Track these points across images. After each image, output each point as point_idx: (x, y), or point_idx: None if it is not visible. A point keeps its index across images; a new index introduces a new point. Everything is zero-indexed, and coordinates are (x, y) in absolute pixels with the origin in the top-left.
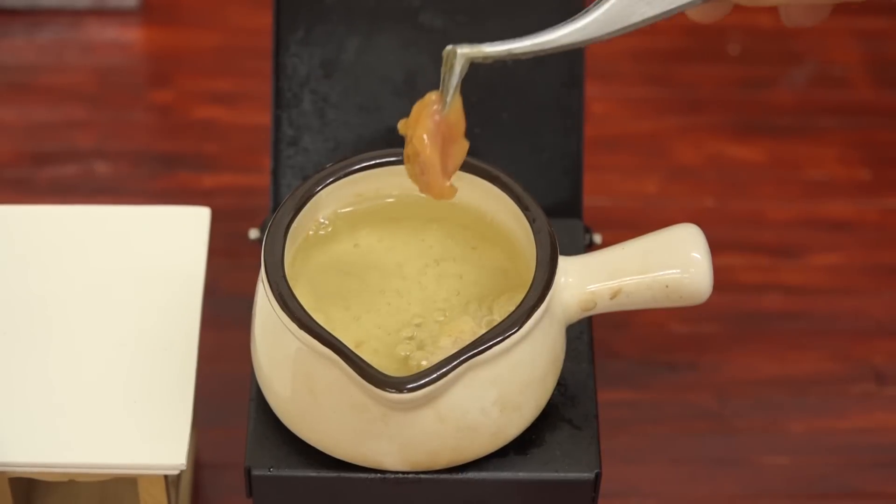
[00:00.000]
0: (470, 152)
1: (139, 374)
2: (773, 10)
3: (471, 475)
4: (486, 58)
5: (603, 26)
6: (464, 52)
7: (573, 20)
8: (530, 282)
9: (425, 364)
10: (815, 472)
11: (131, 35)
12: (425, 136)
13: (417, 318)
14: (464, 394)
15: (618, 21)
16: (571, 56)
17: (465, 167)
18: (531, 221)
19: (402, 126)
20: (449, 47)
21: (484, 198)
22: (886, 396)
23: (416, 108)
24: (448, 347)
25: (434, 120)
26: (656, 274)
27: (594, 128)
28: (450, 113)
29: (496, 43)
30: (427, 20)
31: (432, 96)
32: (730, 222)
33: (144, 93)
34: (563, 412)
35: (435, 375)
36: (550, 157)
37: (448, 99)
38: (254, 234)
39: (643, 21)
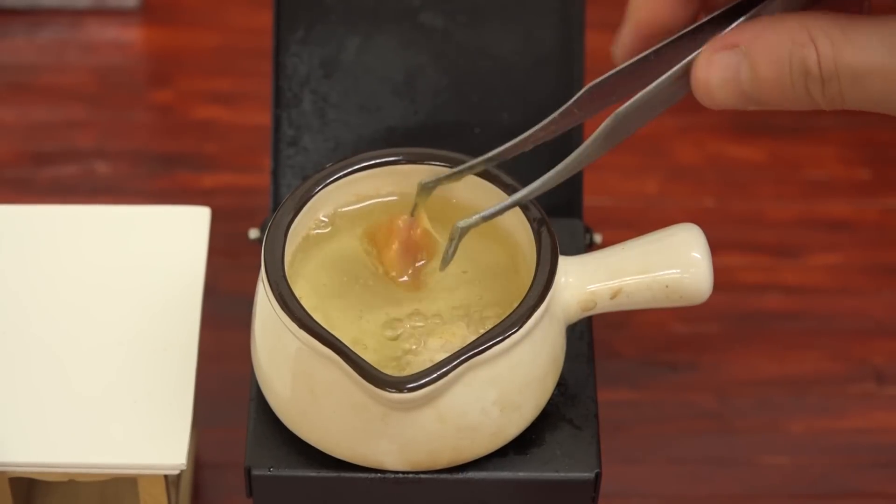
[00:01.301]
0: (470, 152)
1: (139, 374)
2: None
3: (471, 475)
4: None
5: (592, 155)
6: (464, 226)
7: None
8: (530, 281)
9: (414, 364)
10: (815, 472)
11: (131, 35)
12: (395, 250)
13: (415, 318)
14: (464, 393)
15: (606, 145)
16: (571, 56)
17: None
18: (531, 221)
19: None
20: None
21: (484, 197)
22: (886, 396)
23: (385, 229)
24: (436, 349)
25: (399, 244)
26: (656, 274)
27: (594, 128)
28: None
29: (491, 209)
30: (427, 20)
31: (399, 223)
32: (730, 222)
33: (144, 93)
34: (564, 412)
35: (435, 375)
36: (550, 156)
37: (448, 261)
38: (254, 233)
39: (625, 137)
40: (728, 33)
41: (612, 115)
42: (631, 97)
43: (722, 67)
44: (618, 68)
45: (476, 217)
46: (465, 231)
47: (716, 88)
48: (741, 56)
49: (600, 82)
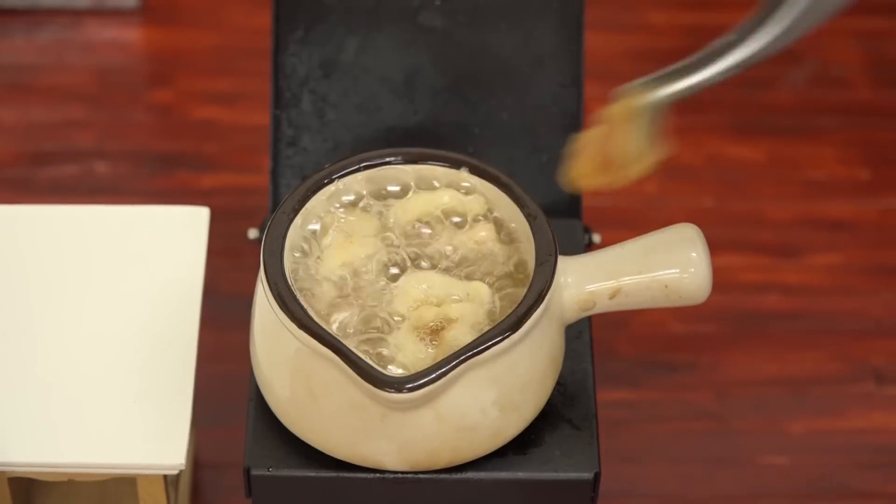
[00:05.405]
0: (470, 152)
1: (139, 374)
2: None
3: (470, 475)
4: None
5: (800, 24)
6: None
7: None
8: (529, 281)
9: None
10: (815, 472)
11: (131, 35)
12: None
13: (427, 310)
14: (463, 394)
15: (811, 18)
16: (571, 56)
17: (466, 167)
18: (530, 221)
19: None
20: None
21: (505, 206)
22: (886, 396)
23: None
24: (466, 319)
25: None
26: (655, 274)
27: None
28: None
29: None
30: (427, 20)
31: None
32: (729, 222)
33: (144, 93)
34: (563, 412)
35: (434, 375)
36: (550, 157)
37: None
38: (253, 234)
39: (828, 15)
40: None
41: None
42: None
43: None
44: None
45: (677, 87)
46: (657, 106)
47: None
48: None
49: None
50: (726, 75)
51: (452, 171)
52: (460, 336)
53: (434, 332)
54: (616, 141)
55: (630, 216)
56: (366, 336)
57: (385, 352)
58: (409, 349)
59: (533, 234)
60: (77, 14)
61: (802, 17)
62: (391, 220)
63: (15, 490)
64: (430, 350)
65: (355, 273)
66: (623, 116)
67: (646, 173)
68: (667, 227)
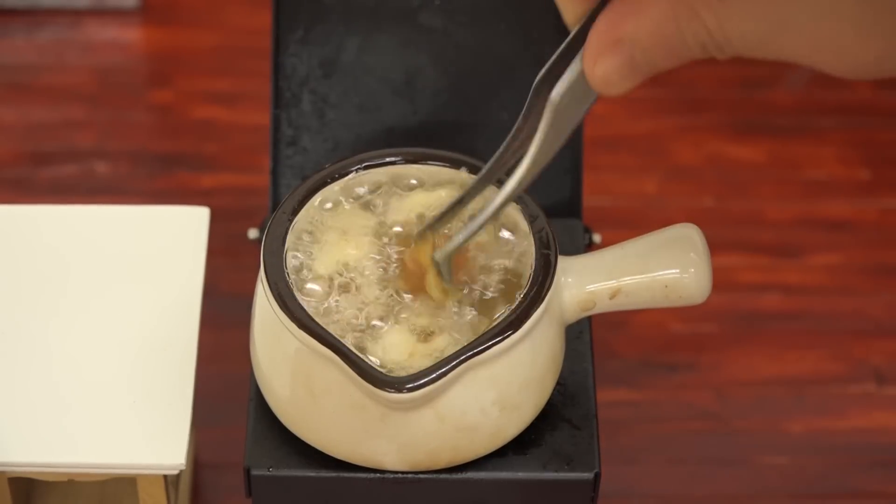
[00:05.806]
0: (470, 152)
1: (139, 374)
2: None
3: (470, 475)
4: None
5: (545, 156)
6: (439, 257)
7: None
8: (528, 281)
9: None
10: (815, 472)
11: (131, 35)
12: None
13: (424, 309)
14: (463, 393)
15: (555, 143)
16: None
17: (466, 167)
18: (530, 221)
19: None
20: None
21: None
22: (886, 396)
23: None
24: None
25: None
26: (655, 274)
27: (594, 128)
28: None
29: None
30: (427, 20)
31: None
32: (729, 222)
33: (144, 93)
34: (563, 412)
35: (434, 375)
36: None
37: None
38: (253, 233)
39: (574, 128)
40: (605, 25)
41: (549, 103)
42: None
43: (617, 65)
44: (556, 54)
45: (448, 247)
46: (443, 261)
47: (617, 82)
48: (631, 47)
49: (545, 75)
50: (491, 220)
51: (452, 171)
52: (441, 347)
53: (424, 337)
54: (424, 279)
55: (630, 216)
56: (358, 333)
57: (371, 346)
58: (395, 344)
59: (533, 233)
60: (77, 14)
61: (545, 151)
62: (389, 220)
63: (15, 490)
64: (410, 348)
65: (353, 272)
66: (420, 262)
67: (457, 296)
68: (667, 227)
